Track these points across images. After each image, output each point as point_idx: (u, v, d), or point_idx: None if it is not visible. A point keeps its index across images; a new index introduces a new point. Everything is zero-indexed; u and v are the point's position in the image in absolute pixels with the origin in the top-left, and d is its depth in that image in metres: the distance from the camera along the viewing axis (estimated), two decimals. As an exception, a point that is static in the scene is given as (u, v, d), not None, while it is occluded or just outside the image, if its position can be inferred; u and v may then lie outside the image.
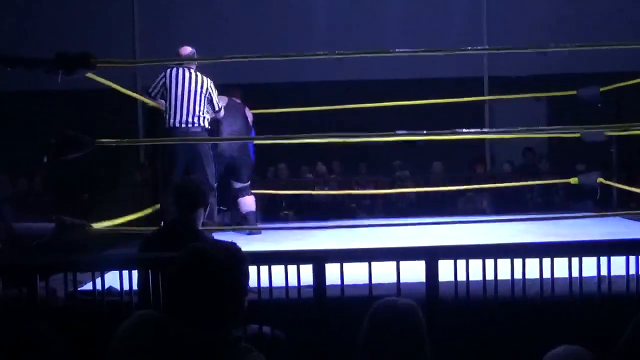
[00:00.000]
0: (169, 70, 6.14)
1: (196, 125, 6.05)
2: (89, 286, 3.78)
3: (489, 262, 3.62)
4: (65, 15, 11.00)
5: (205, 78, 6.20)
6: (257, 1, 11.25)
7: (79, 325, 3.45)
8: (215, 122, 6.52)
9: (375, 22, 11.01)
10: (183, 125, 6.03)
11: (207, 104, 6.21)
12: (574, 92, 7.38)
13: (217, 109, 6.32)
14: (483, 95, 10.95)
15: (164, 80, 6.13)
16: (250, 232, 6.59)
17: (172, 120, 6.04)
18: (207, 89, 6.18)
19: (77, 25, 10.81)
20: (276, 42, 10.52)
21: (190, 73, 6.15)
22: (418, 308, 2.40)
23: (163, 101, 6.21)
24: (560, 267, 3.63)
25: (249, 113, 7.09)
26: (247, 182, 6.97)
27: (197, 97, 6.08)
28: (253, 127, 7.15)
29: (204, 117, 6.14)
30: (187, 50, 6.23)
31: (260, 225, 6.76)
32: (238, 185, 6.89)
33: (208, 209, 4.19)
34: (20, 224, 4.83)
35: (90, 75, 4.67)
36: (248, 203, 6.89)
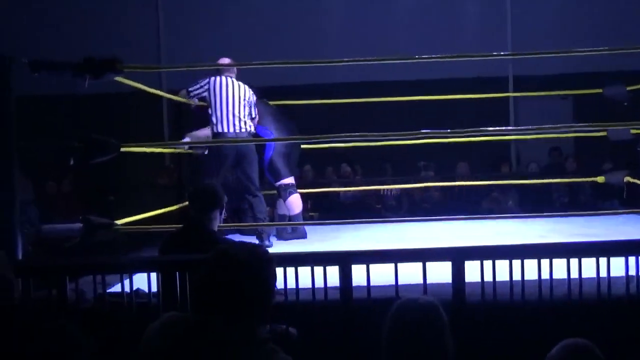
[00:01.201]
0: (212, 79, 6.32)
1: (243, 130, 6.26)
2: (117, 288, 3.82)
3: (516, 263, 3.61)
4: (90, 19, 11.09)
5: (246, 86, 6.39)
6: (275, 5, 11.28)
7: (108, 327, 3.49)
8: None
9: (393, 13, 11.02)
10: (231, 131, 6.22)
11: (249, 109, 6.39)
12: (600, 91, 7.32)
13: (253, 116, 6.46)
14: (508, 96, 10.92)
15: (207, 87, 6.33)
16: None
17: (220, 127, 6.24)
18: (249, 96, 6.38)
19: (101, 29, 10.90)
20: (294, 42, 10.56)
21: (232, 81, 6.34)
22: (439, 305, 2.40)
23: (197, 100, 6.47)
24: (588, 267, 3.61)
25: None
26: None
27: (241, 104, 6.28)
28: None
29: (249, 123, 6.33)
30: (225, 61, 6.41)
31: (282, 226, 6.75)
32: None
33: (223, 211, 4.26)
34: (47, 225, 4.88)
35: (118, 78, 4.72)
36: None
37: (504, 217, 7.26)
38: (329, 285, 3.62)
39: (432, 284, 3.61)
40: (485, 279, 3.60)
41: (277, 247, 6.03)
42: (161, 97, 8.77)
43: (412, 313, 2.36)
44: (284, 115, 7.07)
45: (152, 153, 6.90)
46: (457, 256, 3.60)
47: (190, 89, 6.45)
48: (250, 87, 6.48)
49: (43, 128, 9.64)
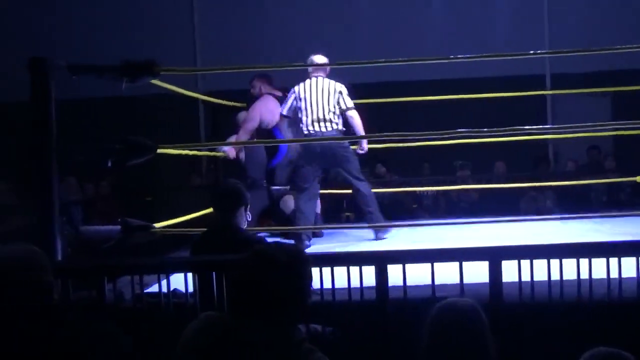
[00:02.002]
0: (296, 87, 6.36)
1: (329, 130, 6.24)
2: (154, 288, 3.85)
3: (554, 262, 3.57)
4: (125, 21, 11.22)
5: (333, 83, 6.34)
6: (309, 5, 11.30)
7: (146, 326, 3.52)
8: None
9: (429, 11, 10.99)
10: (317, 131, 6.25)
11: (337, 106, 6.33)
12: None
13: (343, 107, 6.34)
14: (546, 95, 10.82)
15: (293, 95, 6.38)
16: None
17: (307, 128, 6.29)
18: (338, 92, 6.31)
19: (136, 30, 11.02)
20: (327, 42, 10.53)
21: (316, 81, 6.31)
22: (479, 307, 2.39)
23: (291, 113, 6.48)
24: (628, 267, 3.55)
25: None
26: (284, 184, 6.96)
27: (325, 102, 6.25)
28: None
29: (336, 122, 6.29)
30: (322, 59, 6.38)
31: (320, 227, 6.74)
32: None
33: (248, 208, 4.27)
34: (87, 227, 4.94)
35: (154, 80, 4.76)
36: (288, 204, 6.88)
37: (540, 218, 7.18)
38: (365, 285, 3.62)
39: (469, 284, 3.59)
40: (523, 279, 3.57)
41: (313, 247, 6.04)
42: (197, 98, 8.83)
43: (452, 316, 2.36)
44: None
45: (187, 155, 6.94)
46: (495, 256, 3.56)
47: (283, 113, 6.50)
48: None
49: (81, 131, 9.77)
